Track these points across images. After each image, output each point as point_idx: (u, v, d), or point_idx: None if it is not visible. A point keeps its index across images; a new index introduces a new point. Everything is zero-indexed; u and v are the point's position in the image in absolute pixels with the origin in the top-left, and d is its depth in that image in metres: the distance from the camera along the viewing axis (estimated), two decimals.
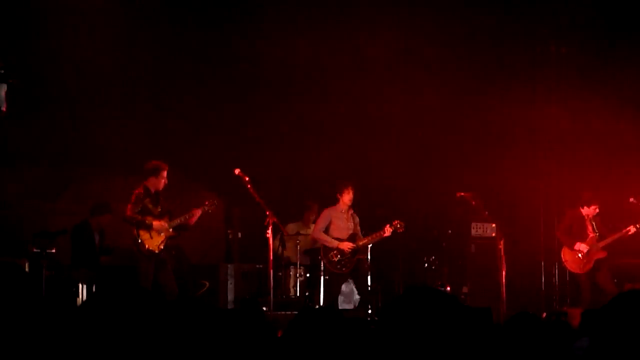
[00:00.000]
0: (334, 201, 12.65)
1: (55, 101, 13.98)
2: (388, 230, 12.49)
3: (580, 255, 12.81)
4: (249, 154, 14.20)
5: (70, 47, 13.41)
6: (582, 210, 12.96)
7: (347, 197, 12.46)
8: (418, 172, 15.47)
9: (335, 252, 12.42)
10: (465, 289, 14.28)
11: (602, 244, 12.83)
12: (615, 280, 13.19)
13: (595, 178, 13.85)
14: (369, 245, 12.94)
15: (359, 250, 12.55)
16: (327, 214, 12.61)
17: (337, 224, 12.54)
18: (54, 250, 11.50)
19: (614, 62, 14.34)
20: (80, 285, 11.89)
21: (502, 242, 12.37)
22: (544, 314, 13.12)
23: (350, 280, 12.93)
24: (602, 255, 12.86)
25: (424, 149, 15.48)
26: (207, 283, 13.44)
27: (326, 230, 12.59)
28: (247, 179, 11.44)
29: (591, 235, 12.87)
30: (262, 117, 15.09)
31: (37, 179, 14.35)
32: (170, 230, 11.23)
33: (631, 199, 12.98)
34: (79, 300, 11.67)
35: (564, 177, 15.35)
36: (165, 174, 11.21)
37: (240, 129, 15.22)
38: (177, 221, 11.29)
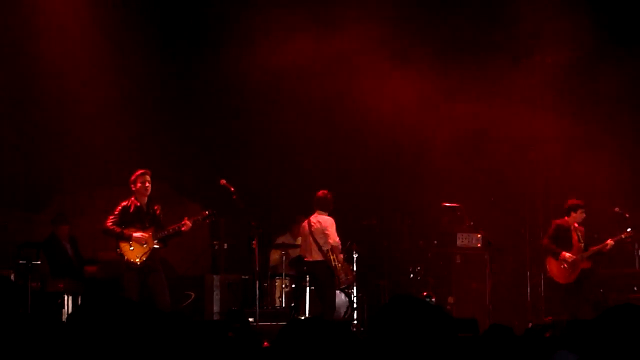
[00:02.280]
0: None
1: (39, 112, 13.95)
2: None
3: (565, 265, 12.79)
4: (234, 166, 14.19)
5: (57, 60, 13.40)
6: (567, 219, 12.95)
7: None
8: (404, 183, 15.49)
9: None
10: (450, 299, 14.27)
11: (587, 254, 12.82)
12: (601, 291, 13.22)
13: (581, 187, 13.87)
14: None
15: None
16: None
17: None
18: (39, 262, 11.46)
19: (598, 72, 14.39)
20: (65, 297, 11.84)
21: (487, 253, 12.39)
22: (530, 324, 13.14)
23: (341, 292, 13.04)
24: (587, 265, 12.85)
25: (409, 159, 15.51)
26: (192, 294, 13.40)
27: None
28: (232, 189, 11.42)
29: (577, 245, 12.85)
30: (247, 129, 15.09)
31: (21, 190, 14.29)
32: (155, 241, 11.17)
33: (616, 209, 13.01)
34: (65, 311, 11.61)
35: (550, 187, 15.40)
36: (147, 178, 11.14)
37: (225, 140, 15.22)
38: (163, 233, 11.22)
